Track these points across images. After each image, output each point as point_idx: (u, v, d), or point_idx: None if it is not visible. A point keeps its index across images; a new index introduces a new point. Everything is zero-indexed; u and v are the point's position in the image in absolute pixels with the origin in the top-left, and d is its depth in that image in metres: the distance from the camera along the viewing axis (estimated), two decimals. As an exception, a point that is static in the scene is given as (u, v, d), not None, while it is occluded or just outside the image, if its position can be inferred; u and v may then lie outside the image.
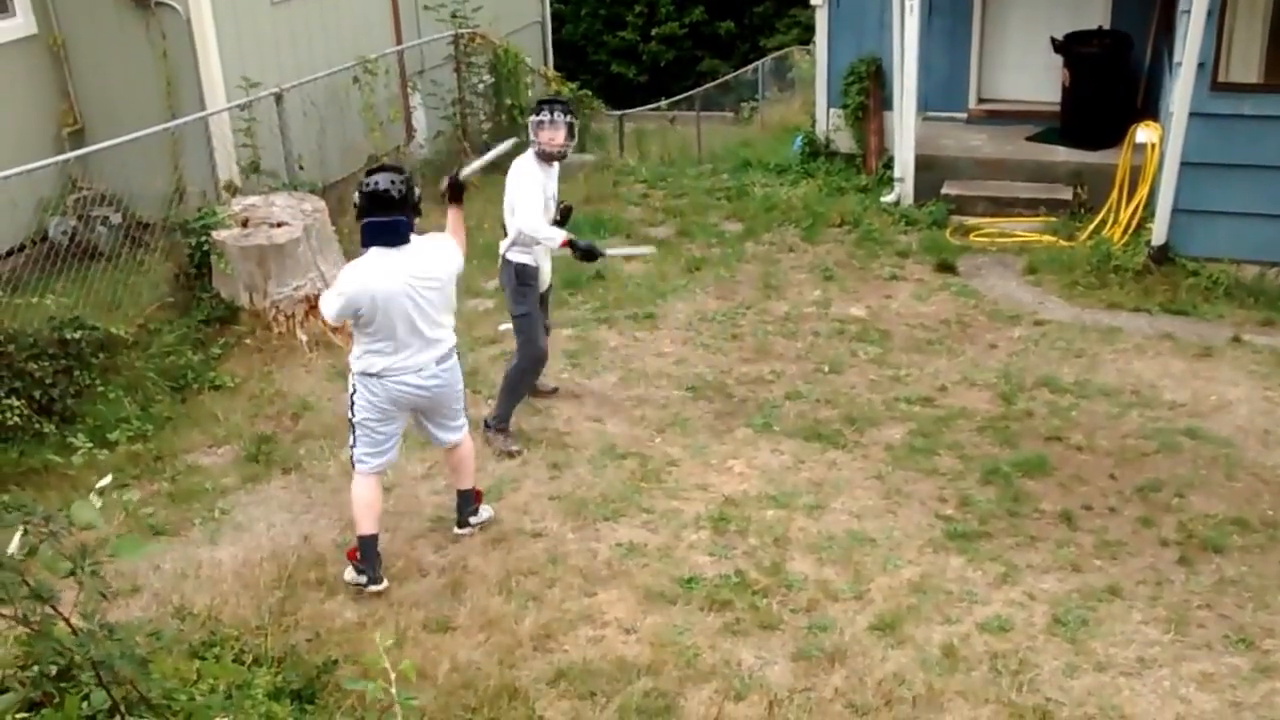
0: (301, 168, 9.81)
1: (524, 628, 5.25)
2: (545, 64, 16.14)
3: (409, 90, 12.46)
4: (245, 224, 8.28)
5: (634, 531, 6.02)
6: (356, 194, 5.48)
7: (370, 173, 5.57)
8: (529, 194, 6.60)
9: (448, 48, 12.45)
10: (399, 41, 12.18)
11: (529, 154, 6.75)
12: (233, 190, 9.33)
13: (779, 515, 6.12)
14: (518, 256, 6.72)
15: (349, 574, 5.63)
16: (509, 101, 12.90)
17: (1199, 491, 6.27)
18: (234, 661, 4.63)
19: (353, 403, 5.57)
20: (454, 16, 12.22)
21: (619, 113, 18.11)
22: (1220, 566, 5.67)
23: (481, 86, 12.83)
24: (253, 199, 8.71)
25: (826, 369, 7.84)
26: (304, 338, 8.05)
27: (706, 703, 4.79)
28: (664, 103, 19.89)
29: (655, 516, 6.13)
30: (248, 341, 8.00)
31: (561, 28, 26.42)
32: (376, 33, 11.80)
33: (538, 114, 6.72)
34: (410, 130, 12.52)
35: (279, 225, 8.22)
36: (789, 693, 4.84)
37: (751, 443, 6.91)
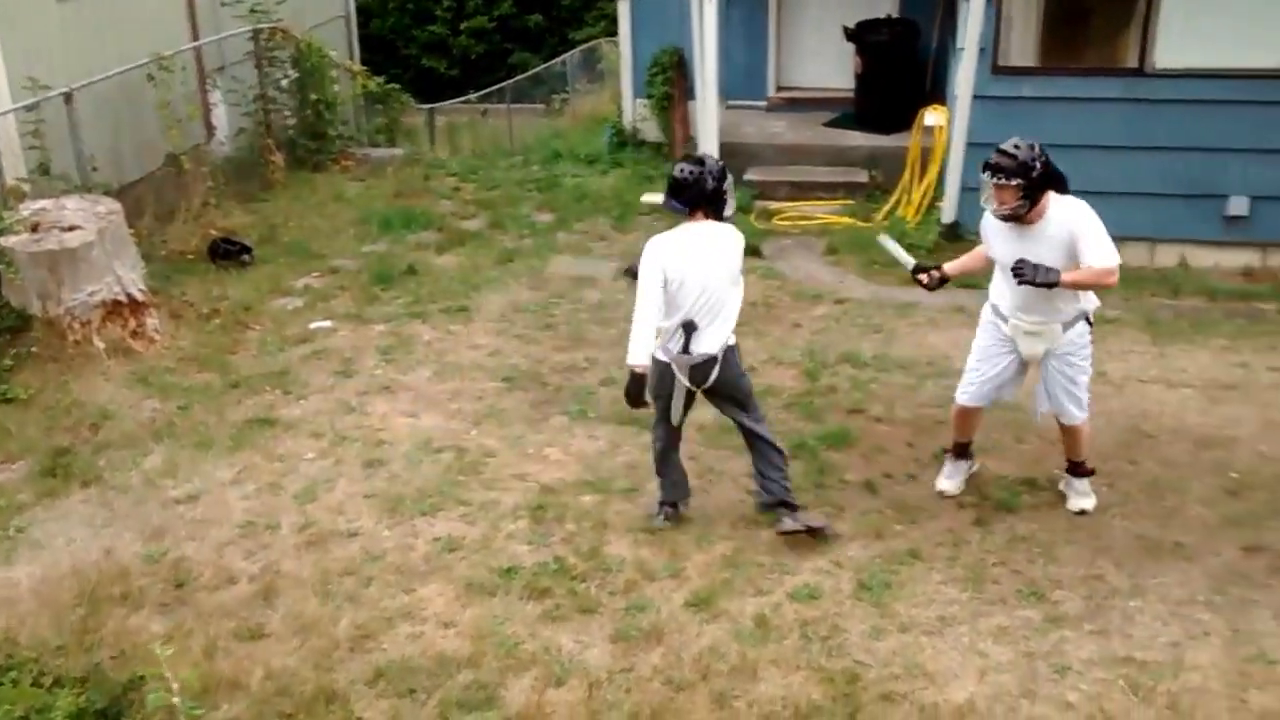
0: (95, 169, 9.41)
1: (340, 629, 5.17)
2: (351, 58, 15.90)
3: (208, 87, 12.09)
4: (35, 229, 7.90)
5: (452, 525, 6.00)
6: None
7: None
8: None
9: (248, 43, 12.12)
10: (195, 37, 11.82)
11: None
12: (20, 195, 8.89)
13: (596, 500, 6.18)
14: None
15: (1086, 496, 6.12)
16: (314, 97, 12.70)
17: (991, 455, 6.57)
18: (33, 685, 4.45)
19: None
20: (253, 11, 11.92)
21: (429, 106, 17.98)
22: (1012, 525, 5.94)
23: (285, 82, 12.55)
24: (43, 203, 8.31)
25: (640, 355, 7.94)
26: (101, 345, 7.74)
27: (527, 691, 4.80)
28: (473, 95, 19.83)
29: (473, 509, 6.12)
30: (40, 351, 7.64)
31: (369, 21, 26.01)
32: (171, 29, 11.42)
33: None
34: (210, 128, 12.16)
35: (71, 229, 7.88)
36: (608, 674, 4.89)
37: (568, 430, 6.97)
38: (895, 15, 11.21)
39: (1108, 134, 8.96)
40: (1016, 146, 5.47)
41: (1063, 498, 6.18)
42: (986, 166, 5.52)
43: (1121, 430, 6.77)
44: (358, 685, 4.84)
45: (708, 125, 10.53)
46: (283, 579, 5.55)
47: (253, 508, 6.16)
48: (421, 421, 7.03)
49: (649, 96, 11.86)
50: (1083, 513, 6.08)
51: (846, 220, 10.09)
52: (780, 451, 5.87)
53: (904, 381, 7.47)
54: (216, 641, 5.07)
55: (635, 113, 12.23)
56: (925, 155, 10.05)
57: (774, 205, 10.46)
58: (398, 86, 15.26)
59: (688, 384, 5.59)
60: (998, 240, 5.73)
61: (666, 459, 5.95)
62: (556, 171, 12.10)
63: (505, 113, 18.90)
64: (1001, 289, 5.87)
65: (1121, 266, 5.61)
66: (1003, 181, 5.43)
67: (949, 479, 6.31)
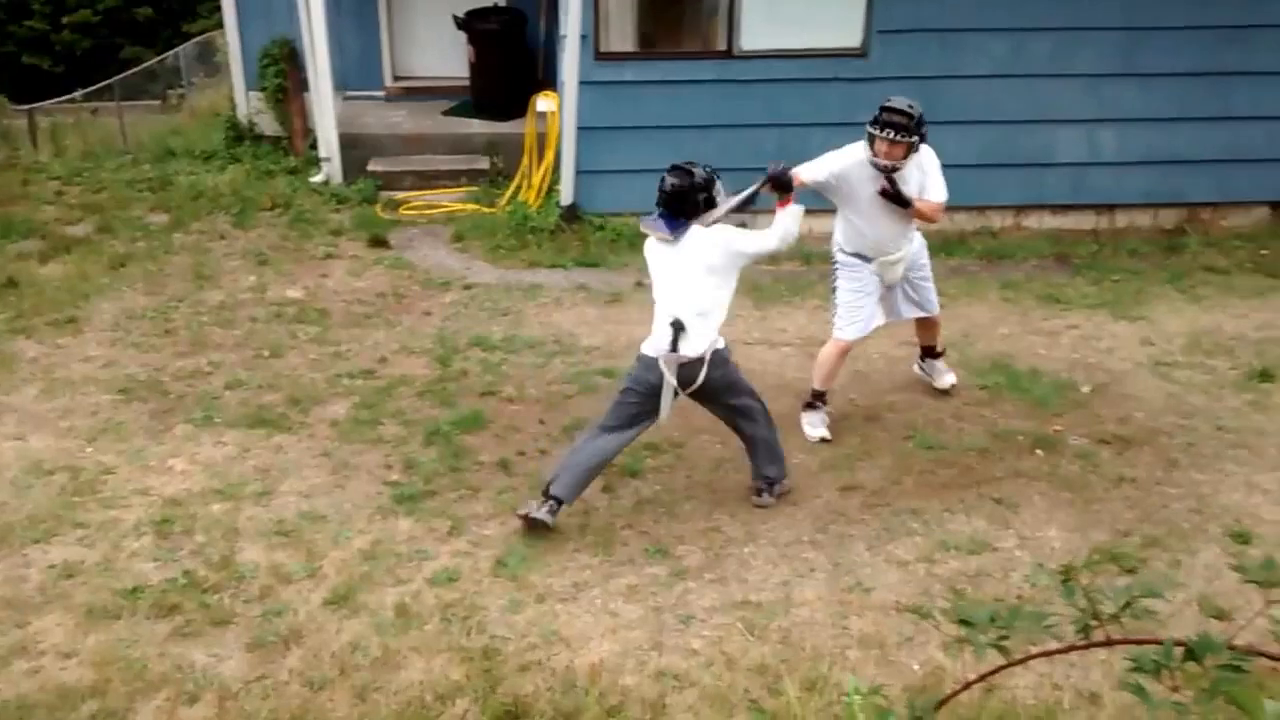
0: None
1: (-56, 677, 4.82)
2: (-71, 57, 14.54)
3: None
4: None
5: (68, 550, 5.68)
6: None
7: None
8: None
9: None
10: None
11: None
12: None
13: (226, 508, 6.02)
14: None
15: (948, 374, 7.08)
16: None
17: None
18: None
19: None
20: None
21: (29, 107, 16.74)
22: (637, 489, 6.24)
23: None
24: None
25: (267, 354, 7.78)
26: None
27: (156, 713, 4.65)
28: (79, 94, 18.57)
29: (91, 530, 5.82)
30: None
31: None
32: None
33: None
34: None
35: None
36: (244, 684, 4.80)
37: (193, 438, 6.73)
38: (503, 4, 11.42)
39: (704, 114, 9.50)
40: (910, 106, 5.98)
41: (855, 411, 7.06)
42: (885, 125, 5.98)
43: (731, 390, 7.26)
44: (-34, 733, 4.54)
45: (325, 117, 10.40)
46: None
47: None
48: (30, 444, 6.60)
49: (263, 89, 11.53)
50: (952, 388, 7.02)
51: (472, 207, 10.23)
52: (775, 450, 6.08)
53: (533, 361, 7.69)
54: None
55: (250, 106, 11.86)
56: (541, 140, 10.32)
57: (399, 195, 10.46)
58: (-11, 88, 14.13)
59: (675, 384, 5.62)
60: (866, 186, 6.22)
61: (592, 463, 5.87)
62: (170, 170, 11.55)
63: (116, 110, 17.77)
64: (866, 237, 6.41)
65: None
66: (902, 138, 5.92)
67: (822, 426, 6.79)
